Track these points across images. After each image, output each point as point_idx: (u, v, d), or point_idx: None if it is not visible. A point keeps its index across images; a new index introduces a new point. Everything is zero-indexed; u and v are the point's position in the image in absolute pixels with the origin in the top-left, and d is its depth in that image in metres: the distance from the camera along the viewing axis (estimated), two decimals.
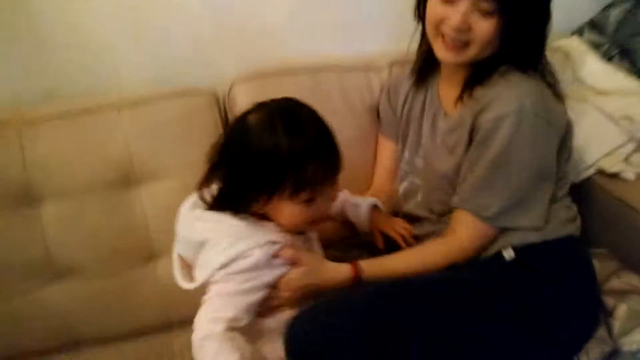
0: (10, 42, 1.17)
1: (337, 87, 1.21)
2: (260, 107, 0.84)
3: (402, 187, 1.12)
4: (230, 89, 1.18)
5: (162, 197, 1.13)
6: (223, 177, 0.85)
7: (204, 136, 1.14)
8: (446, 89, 1.06)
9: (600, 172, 1.17)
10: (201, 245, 0.85)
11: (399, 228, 1.06)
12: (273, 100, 0.85)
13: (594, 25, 1.41)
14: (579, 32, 1.41)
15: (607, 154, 1.15)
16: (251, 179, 0.81)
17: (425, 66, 1.09)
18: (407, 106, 1.14)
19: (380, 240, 1.06)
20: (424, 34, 1.03)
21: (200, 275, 0.84)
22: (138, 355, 1.12)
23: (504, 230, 0.95)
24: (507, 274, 0.93)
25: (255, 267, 0.82)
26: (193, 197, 0.91)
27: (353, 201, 1.07)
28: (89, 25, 1.19)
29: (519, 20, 0.90)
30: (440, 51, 0.96)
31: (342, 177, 1.17)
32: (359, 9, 1.32)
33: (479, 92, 0.96)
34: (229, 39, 1.25)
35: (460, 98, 1.00)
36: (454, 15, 0.90)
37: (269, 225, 0.86)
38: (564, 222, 0.99)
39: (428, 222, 1.05)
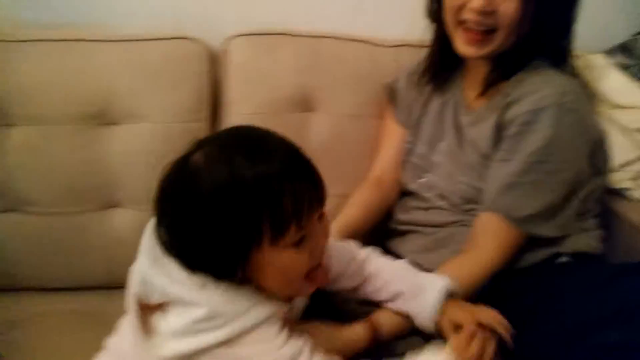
0: None
1: (337, 56, 1.14)
2: (203, 143, 0.62)
3: (419, 183, 1.02)
4: (225, 43, 1.13)
5: (135, 141, 1.07)
6: (177, 242, 0.62)
7: (190, 84, 1.10)
8: (469, 83, 0.99)
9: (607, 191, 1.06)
10: (182, 303, 0.62)
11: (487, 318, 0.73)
12: (219, 133, 0.70)
13: (625, 48, 1.35)
14: (609, 53, 1.34)
15: (616, 170, 1.05)
16: (215, 236, 0.58)
17: (441, 69, 1.02)
18: (423, 97, 1.05)
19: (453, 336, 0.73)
20: (438, 34, 0.97)
21: (183, 342, 0.62)
22: (77, 306, 1.03)
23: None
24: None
25: None
26: None
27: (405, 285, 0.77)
28: None
29: (547, 1, 0.84)
30: (462, 45, 0.89)
31: (339, 155, 1.12)
32: None
33: (506, 85, 0.89)
34: None
35: (483, 93, 0.93)
36: None
37: (250, 291, 0.64)
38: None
39: (447, 212, 0.96)
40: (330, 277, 0.72)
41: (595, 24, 1.27)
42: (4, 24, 1.14)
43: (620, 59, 1.34)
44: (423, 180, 1.01)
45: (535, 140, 0.83)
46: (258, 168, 0.58)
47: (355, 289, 0.80)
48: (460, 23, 0.88)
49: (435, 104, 1.03)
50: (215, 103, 1.14)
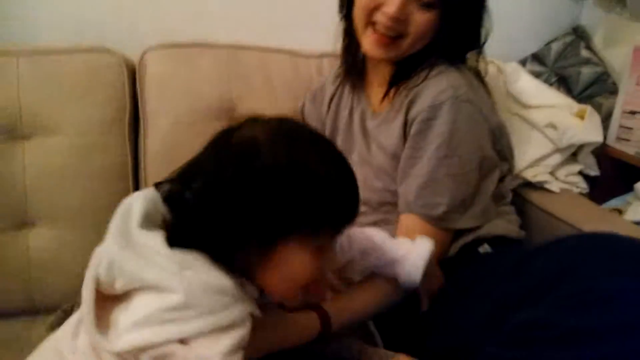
0: None
1: (258, 66, 1.15)
2: (257, 123, 0.61)
3: None
4: (143, 55, 1.11)
5: (48, 157, 1.03)
6: (206, 207, 0.57)
7: (106, 97, 1.07)
8: (372, 86, 1.01)
9: (526, 184, 1.10)
10: (156, 289, 0.57)
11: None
12: (271, 118, 0.63)
13: (536, 57, 1.43)
14: (522, 63, 1.42)
15: (532, 165, 1.09)
16: (254, 209, 0.55)
17: (352, 65, 1.03)
18: (332, 111, 1.07)
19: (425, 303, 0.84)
20: (347, 32, 0.98)
21: (145, 332, 0.56)
22: None
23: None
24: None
25: None
26: (144, 201, 0.62)
27: (390, 252, 0.78)
28: None
29: (458, 15, 0.86)
30: (369, 45, 0.90)
31: None
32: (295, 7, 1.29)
33: (408, 84, 0.91)
34: (152, 8, 1.20)
35: (386, 94, 0.94)
36: (392, 2, 0.84)
37: (250, 287, 0.61)
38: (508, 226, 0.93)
39: (369, 215, 0.96)
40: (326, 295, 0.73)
41: (509, 35, 1.35)
42: None
43: (533, 67, 1.42)
44: None
45: (436, 136, 0.85)
46: (324, 162, 0.58)
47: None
48: (371, 24, 0.89)
49: (343, 116, 1.05)
50: (134, 115, 1.11)
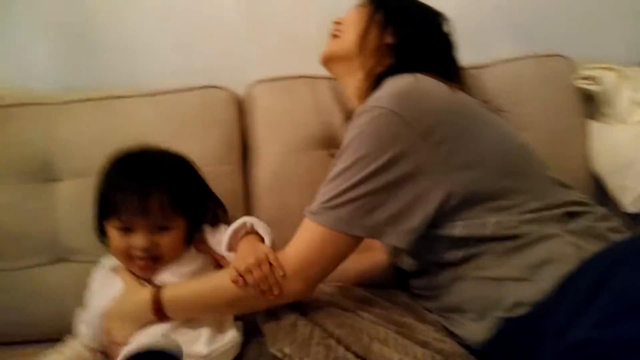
0: (64, 40, 1.29)
1: None
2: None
3: None
4: (249, 89, 1.18)
5: None
6: None
7: (219, 130, 1.15)
8: None
9: None
10: None
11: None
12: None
13: None
14: None
15: None
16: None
17: None
18: None
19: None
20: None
21: None
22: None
23: None
24: None
25: None
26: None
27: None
28: (136, 28, 1.28)
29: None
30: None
31: None
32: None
33: None
34: (259, 46, 1.29)
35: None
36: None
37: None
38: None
39: (425, 274, 0.90)
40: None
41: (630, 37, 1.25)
42: (54, 90, 1.27)
43: None
44: None
45: (344, 142, 0.82)
46: (115, 172, 0.95)
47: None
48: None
49: None
50: (243, 146, 1.18)
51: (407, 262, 0.94)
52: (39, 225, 1.12)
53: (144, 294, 0.85)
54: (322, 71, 1.19)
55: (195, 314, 0.85)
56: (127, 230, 0.89)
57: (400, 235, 0.79)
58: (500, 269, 0.77)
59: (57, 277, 1.12)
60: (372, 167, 0.77)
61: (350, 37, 0.96)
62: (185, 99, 1.16)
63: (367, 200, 0.78)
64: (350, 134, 0.81)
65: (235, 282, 0.79)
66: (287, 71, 1.20)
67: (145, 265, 0.90)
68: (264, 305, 0.83)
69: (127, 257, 0.90)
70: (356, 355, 0.74)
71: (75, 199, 1.12)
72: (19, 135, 1.14)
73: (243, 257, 0.82)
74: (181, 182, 0.94)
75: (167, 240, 0.90)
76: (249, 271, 0.79)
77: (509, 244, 0.77)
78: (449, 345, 0.80)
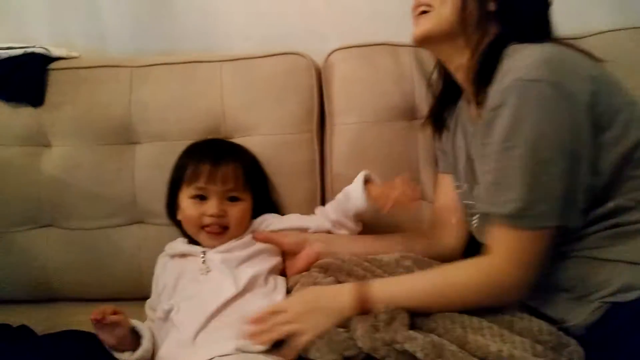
0: (140, 3, 1.29)
1: None
2: None
3: (474, 221, 0.95)
4: (328, 56, 1.16)
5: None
6: None
7: (298, 98, 1.13)
8: (468, 107, 0.95)
9: None
10: None
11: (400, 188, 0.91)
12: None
13: None
14: None
15: None
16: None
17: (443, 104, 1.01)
18: (449, 140, 1.02)
19: (387, 205, 0.92)
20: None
21: None
22: None
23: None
24: None
25: None
26: None
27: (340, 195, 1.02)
28: None
29: None
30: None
31: None
32: None
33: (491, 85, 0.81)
34: (333, 11, 1.26)
35: (479, 105, 0.85)
36: None
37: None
38: None
39: None
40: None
41: None
42: (129, 53, 1.28)
43: None
44: (475, 218, 0.95)
45: (500, 125, 0.74)
46: (194, 146, 1.06)
47: None
48: None
49: (459, 138, 0.99)
50: (321, 115, 1.16)
51: None
52: (118, 187, 1.14)
53: (346, 289, 0.81)
54: (405, 38, 1.15)
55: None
56: (201, 198, 0.97)
57: (579, 214, 0.75)
58: (612, 251, 0.74)
59: (135, 239, 1.15)
60: (551, 150, 0.72)
61: (445, 10, 0.85)
62: (265, 66, 1.14)
63: (558, 186, 0.72)
64: (506, 116, 0.73)
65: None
66: (368, 39, 1.16)
67: (214, 233, 0.96)
68: (492, 304, 0.78)
69: (197, 225, 0.97)
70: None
71: (153, 161, 1.13)
72: (98, 97, 1.15)
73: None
74: (252, 161, 1.06)
75: (235, 211, 0.97)
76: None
77: (627, 227, 0.74)
78: (537, 325, 0.76)
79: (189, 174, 0.98)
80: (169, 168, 1.10)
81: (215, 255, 0.94)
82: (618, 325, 0.72)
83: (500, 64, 0.78)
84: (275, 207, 1.09)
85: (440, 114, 1.03)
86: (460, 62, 0.88)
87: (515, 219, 0.74)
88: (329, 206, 1.05)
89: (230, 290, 0.87)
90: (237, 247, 0.96)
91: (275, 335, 0.77)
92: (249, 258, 0.95)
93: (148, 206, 1.13)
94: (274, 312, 0.80)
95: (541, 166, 0.72)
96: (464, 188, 0.97)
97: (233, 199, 0.98)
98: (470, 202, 0.95)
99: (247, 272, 0.91)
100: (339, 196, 1.03)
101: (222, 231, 0.96)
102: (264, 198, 1.06)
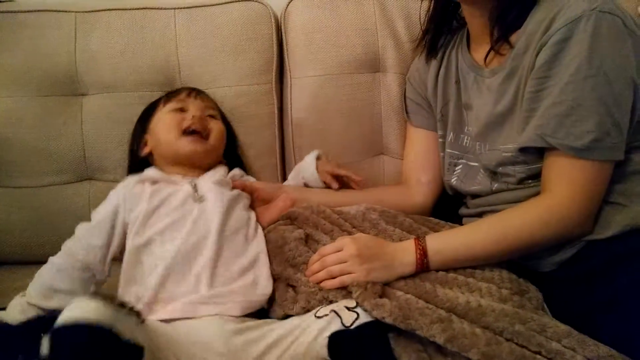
0: None
1: (402, 16, 1.11)
2: None
3: (456, 173, 0.95)
4: (287, 5, 1.11)
5: None
6: None
7: (255, 48, 1.09)
8: (477, 48, 0.91)
9: None
10: None
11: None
12: None
13: None
14: None
15: None
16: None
17: (436, 34, 0.98)
18: (439, 88, 0.98)
19: (334, 182, 1.00)
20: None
21: None
22: None
23: None
24: None
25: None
26: None
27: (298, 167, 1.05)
28: None
29: None
30: None
31: None
32: None
33: (518, 34, 0.80)
34: None
35: (492, 49, 0.83)
36: None
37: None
38: None
39: (505, 192, 0.87)
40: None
41: None
42: None
43: None
44: (459, 168, 0.95)
45: (573, 57, 0.72)
46: None
47: None
48: None
49: (451, 87, 0.96)
50: (280, 67, 1.12)
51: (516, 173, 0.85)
52: (64, 141, 1.07)
53: (407, 243, 0.79)
54: None
55: (463, 265, 0.79)
56: (181, 110, 0.95)
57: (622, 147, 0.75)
58: None
59: (84, 196, 1.08)
60: (623, 83, 0.72)
61: None
62: (221, 14, 1.08)
63: (626, 119, 0.73)
64: (579, 47, 0.72)
65: None
66: None
67: (196, 135, 0.92)
68: (558, 240, 0.78)
69: (178, 130, 0.93)
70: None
71: (103, 114, 1.07)
72: (39, 44, 1.06)
73: None
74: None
75: (214, 126, 0.96)
76: None
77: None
78: (498, 274, 0.78)
79: (167, 96, 0.99)
80: (120, 121, 1.05)
81: (207, 185, 0.88)
82: (595, 263, 0.74)
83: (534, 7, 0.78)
84: (241, 161, 1.06)
85: (435, 42, 0.99)
86: (484, 3, 0.83)
87: (590, 150, 0.73)
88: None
89: (227, 224, 0.84)
90: (224, 184, 0.91)
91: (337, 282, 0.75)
92: (234, 200, 0.89)
93: (98, 161, 1.07)
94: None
95: (615, 98, 0.72)
96: (450, 137, 0.96)
97: (211, 117, 0.98)
98: (455, 152, 0.95)
99: (237, 210, 0.88)
100: (292, 174, 1.05)
101: (202, 138, 0.93)
102: (232, 144, 1.04)
